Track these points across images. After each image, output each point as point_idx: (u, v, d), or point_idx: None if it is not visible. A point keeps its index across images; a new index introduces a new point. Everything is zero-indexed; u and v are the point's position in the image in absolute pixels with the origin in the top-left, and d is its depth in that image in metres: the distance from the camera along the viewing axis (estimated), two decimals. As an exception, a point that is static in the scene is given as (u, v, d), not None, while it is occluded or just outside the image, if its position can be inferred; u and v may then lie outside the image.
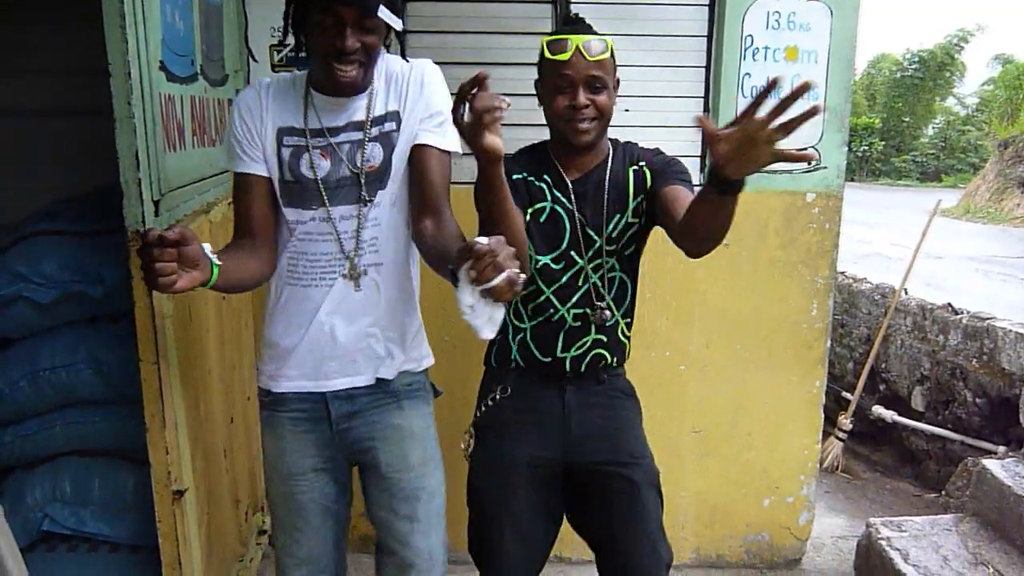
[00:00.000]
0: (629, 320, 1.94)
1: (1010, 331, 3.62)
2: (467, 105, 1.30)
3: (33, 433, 2.17)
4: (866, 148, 21.79)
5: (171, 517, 1.77)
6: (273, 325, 1.70)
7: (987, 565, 2.59)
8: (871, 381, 4.56)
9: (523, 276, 1.22)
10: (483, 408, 1.93)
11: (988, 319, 3.83)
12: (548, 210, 1.81)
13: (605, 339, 1.88)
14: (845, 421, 4.39)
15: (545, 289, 1.83)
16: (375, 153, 1.60)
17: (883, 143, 22.27)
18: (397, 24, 1.50)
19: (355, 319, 1.65)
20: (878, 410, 4.42)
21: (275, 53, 2.57)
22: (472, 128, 1.31)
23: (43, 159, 2.66)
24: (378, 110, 1.60)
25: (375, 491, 1.75)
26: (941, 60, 23.15)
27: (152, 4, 1.69)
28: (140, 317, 1.64)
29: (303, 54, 1.57)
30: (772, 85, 1.28)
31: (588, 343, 1.86)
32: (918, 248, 4.45)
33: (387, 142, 1.60)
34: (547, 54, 1.74)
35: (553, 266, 1.83)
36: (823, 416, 2.95)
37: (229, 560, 2.33)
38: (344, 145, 1.60)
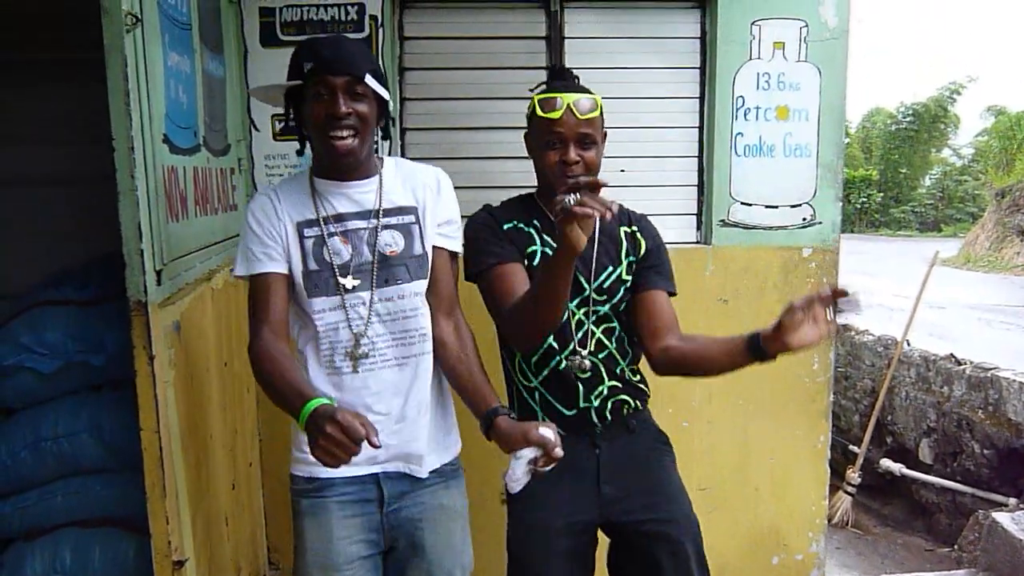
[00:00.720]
0: (634, 367, 1.94)
1: (1014, 381, 3.61)
2: (575, 196, 1.41)
3: (33, 504, 2.15)
4: (864, 200, 21.97)
5: (171, 588, 1.74)
6: None
7: (1003, 622, 2.54)
8: (877, 433, 4.52)
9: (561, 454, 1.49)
10: None
11: (992, 369, 3.82)
12: (539, 253, 1.83)
13: (620, 385, 1.87)
14: (853, 475, 4.35)
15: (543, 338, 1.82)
16: (395, 239, 1.66)
17: (881, 194, 22.46)
18: (385, 94, 1.61)
19: (407, 403, 1.67)
20: (886, 463, 4.38)
21: (276, 123, 2.63)
22: (568, 217, 1.42)
23: (44, 228, 2.70)
24: (392, 202, 1.67)
25: (412, 568, 1.73)
26: (935, 112, 23.49)
27: (156, 79, 1.74)
28: (141, 385, 1.64)
29: (301, 144, 1.68)
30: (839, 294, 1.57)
31: (605, 391, 1.85)
32: (918, 298, 4.47)
33: (407, 232, 1.67)
34: (538, 111, 1.78)
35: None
36: (830, 470, 2.92)
37: (230, 631, 2.29)
38: (362, 232, 1.65)
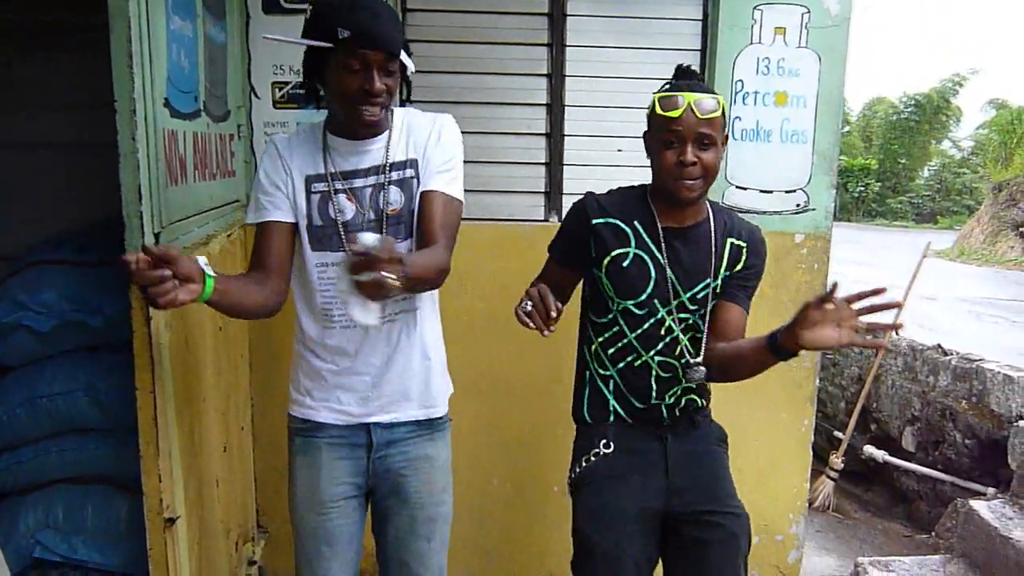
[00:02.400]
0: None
1: (999, 373, 3.66)
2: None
3: (28, 460, 2.19)
4: (862, 189, 21.98)
5: (162, 545, 1.78)
6: (316, 359, 1.75)
7: (974, 606, 2.60)
8: (862, 420, 4.58)
9: (398, 284, 1.29)
10: (584, 464, 1.93)
11: (977, 360, 3.87)
12: (631, 256, 1.84)
13: (694, 386, 1.92)
14: (836, 460, 4.41)
15: (628, 333, 1.87)
16: (395, 197, 1.68)
17: (879, 184, 22.48)
18: (411, 66, 1.64)
19: (395, 359, 1.73)
20: (869, 450, 4.44)
21: (277, 90, 2.64)
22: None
23: (45, 192, 2.71)
24: (397, 156, 1.68)
25: (396, 516, 1.82)
26: (937, 104, 23.45)
27: (159, 44, 1.75)
28: (138, 346, 1.67)
29: (318, 102, 1.68)
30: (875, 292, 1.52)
31: (679, 391, 1.91)
32: (908, 289, 4.50)
33: (407, 187, 1.69)
34: (658, 110, 1.76)
35: (636, 311, 1.86)
36: (812, 454, 2.97)
37: (218, 590, 2.34)
38: (366, 189, 1.68)
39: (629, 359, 1.89)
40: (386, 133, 1.69)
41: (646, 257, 1.84)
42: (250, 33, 2.60)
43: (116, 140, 1.59)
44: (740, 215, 1.96)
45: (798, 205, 2.74)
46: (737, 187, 2.72)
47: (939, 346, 4.19)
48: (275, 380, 2.79)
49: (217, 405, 2.30)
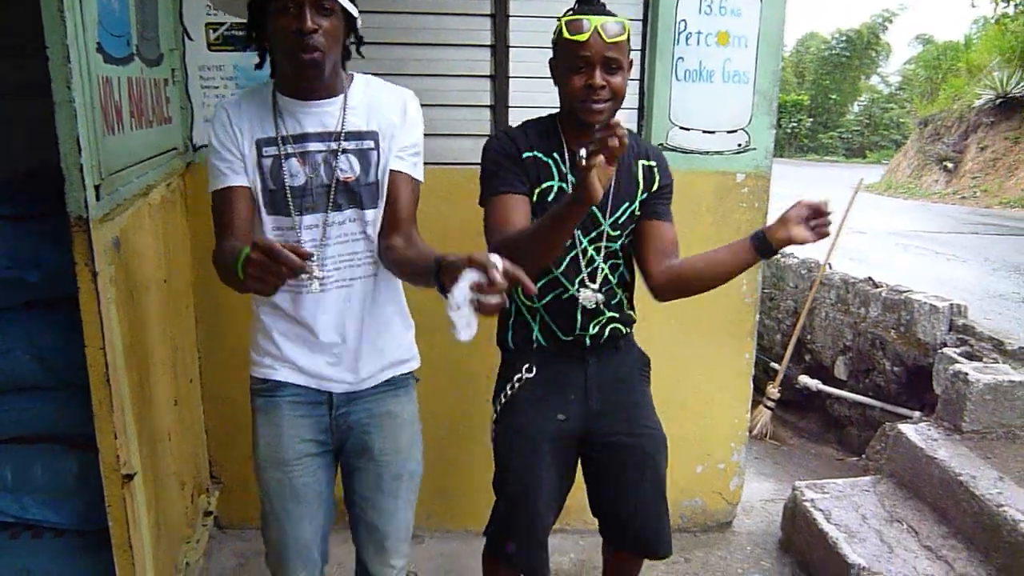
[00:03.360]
0: (630, 295, 2.04)
1: (925, 303, 3.83)
2: (592, 151, 1.41)
3: (-30, 421, 2.13)
4: (795, 125, 22.39)
5: (121, 500, 1.77)
6: (273, 320, 1.71)
7: (901, 522, 2.77)
8: (797, 352, 4.76)
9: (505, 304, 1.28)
10: (508, 391, 1.98)
11: (905, 292, 4.04)
12: (556, 189, 1.84)
13: (618, 315, 1.96)
14: (773, 390, 4.59)
15: (553, 268, 1.88)
16: (351, 165, 1.64)
17: (811, 120, 22.92)
18: (353, 9, 1.56)
19: (352, 322, 1.70)
20: (804, 379, 4.63)
21: (211, 31, 2.54)
22: (589, 172, 1.42)
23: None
24: (354, 125, 1.64)
25: (362, 473, 1.81)
26: (867, 39, 23.89)
27: (88, -16, 1.67)
28: (85, 302, 1.63)
29: (271, 64, 1.64)
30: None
31: (604, 320, 1.94)
32: (841, 224, 4.65)
33: (364, 157, 1.65)
34: (565, 33, 1.75)
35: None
36: (752, 386, 3.08)
37: (177, 542, 2.34)
38: (318, 155, 1.63)
39: (556, 292, 1.90)
40: (341, 96, 1.65)
41: (566, 187, 1.84)
42: (179, -29, 2.48)
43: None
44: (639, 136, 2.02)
45: (739, 145, 2.79)
46: (680, 127, 2.75)
47: (870, 279, 4.36)
48: (221, 331, 2.75)
49: (165, 358, 2.27)
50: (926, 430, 3.05)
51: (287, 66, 1.57)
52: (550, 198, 1.83)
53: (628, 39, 1.77)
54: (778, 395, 4.60)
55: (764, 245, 1.79)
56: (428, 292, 2.80)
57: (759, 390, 4.86)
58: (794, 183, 12.84)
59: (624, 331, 2.00)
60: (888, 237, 7.47)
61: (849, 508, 2.88)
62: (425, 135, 2.66)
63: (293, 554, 1.78)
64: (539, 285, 1.89)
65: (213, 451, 2.89)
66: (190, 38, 2.53)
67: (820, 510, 2.86)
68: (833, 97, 23.73)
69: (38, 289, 2.10)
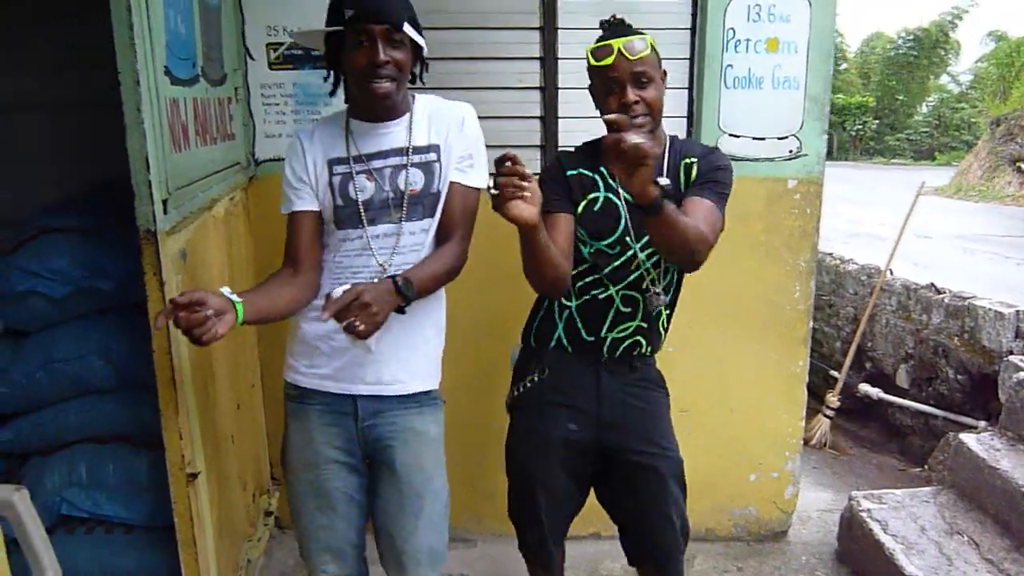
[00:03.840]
0: (670, 312, 2.08)
1: (990, 310, 3.73)
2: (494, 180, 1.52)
3: (49, 421, 2.27)
4: (860, 127, 21.82)
5: (186, 498, 1.87)
6: (310, 326, 1.81)
7: (962, 534, 2.71)
8: (858, 359, 4.68)
9: (362, 327, 1.53)
10: (520, 389, 2.06)
11: (969, 298, 3.94)
12: (602, 200, 1.93)
13: (646, 326, 1.99)
14: (833, 399, 4.52)
15: (600, 271, 1.94)
16: (416, 178, 1.76)
17: (877, 122, 22.31)
18: (421, 41, 1.70)
19: (388, 332, 1.73)
20: (864, 388, 4.54)
21: (272, 51, 2.65)
22: (497, 200, 1.53)
23: (35, 154, 2.73)
24: (420, 140, 1.77)
25: (386, 488, 1.85)
26: (935, 38, 23.15)
27: (157, 11, 1.77)
28: (152, 309, 1.73)
29: (346, 91, 1.79)
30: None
31: (631, 328, 1.98)
32: (902, 229, 4.56)
33: (428, 170, 1.77)
34: (592, 62, 1.87)
35: (608, 251, 1.93)
36: (807, 393, 3.05)
37: (239, 539, 2.44)
38: (386, 170, 1.76)
39: (594, 292, 1.96)
40: (407, 116, 1.77)
41: (614, 198, 1.92)
42: (242, -6, 2.60)
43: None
44: (696, 142, 2.04)
45: (791, 151, 2.78)
46: (730, 135, 2.75)
47: (932, 284, 4.26)
48: (281, 339, 2.82)
49: (228, 364, 2.38)
50: (989, 440, 2.97)
51: (360, 94, 1.71)
52: (596, 208, 1.94)
53: (654, 51, 1.87)
54: (838, 404, 4.52)
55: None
56: (480, 298, 2.86)
57: (818, 398, 4.79)
58: (858, 187, 12.61)
59: (644, 348, 2.02)
60: (955, 241, 7.24)
61: (907, 519, 2.83)
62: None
63: (321, 550, 1.88)
64: (579, 285, 1.96)
65: (273, 454, 2.99)
66: (252, 58, 2.65)
67: (877, 520, 2.82)
68: (900, 98, 23.05)
69: (111, 297, 2.23)
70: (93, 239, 2.26)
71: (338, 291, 1.53)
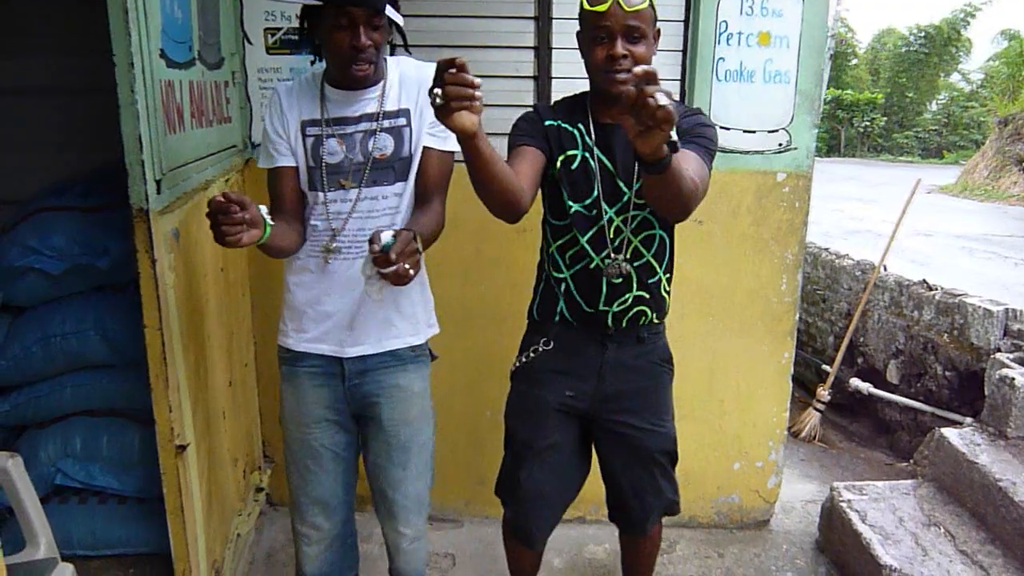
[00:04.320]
0: (669, 275, 2.01)
1: (979, 307, 3.76)
2: (441, 87, 1.37)
3: (45, 395, 2.34)
4: (868, 123, 21.74)
5: (174, 470, 1.93)
6: (297, 291, 1.89)
7: (939, 526, 2.75)
8: (849, 354, 4.71)
9: (413, 272, 1.50)
10: (524, 359, 2.05)
11: (960, 295, 3.97)
12: (579, 158, 1.86)
13: (647, 295, 1.94)
14: (823, 393, 4.55)
15: (580, 237, 1.89)
16: (386, 143, 1.80)
17: (885, 119, 22.22)
18: (400, 20, 1.73)
19: (354, 293, 1.83)
20: (855, 382, 4.58)
21: (269, 36, 2.69)
22: (443, 109, 1.38)
23: (42, 137, 2.79)
24: (390, 105, 1.80)
25: (374, 442, 1.96)
26: (947, 35, 23.02)
27: (153, -5, 1.82)
28: (144, 286, 1.78)
29: (320, 55, 1.80)
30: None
31: (630, 299, 1.93)
32: (897, 226, 4.58)
33: (398, 135, 1.81)
34: (585, 5, 1.76)
35: (585, 214, 1.88)
36: (801, 387, 3.09)
37: (229, 514, 2.50)
38: (356, 135, 1.80)
39: (583, 262, 1.91)
40: (381, 83, 1.81)
41: (590, 158, 1.86)
42: (241, -20, 2.64)
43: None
44: (682, 105, 1.91)
45: (780, 144, 2.81)
46: (720, 127, 2.77)
47: (924, 281, 4.29)
48: (275, 319, 2.88)
49: (221, 342, 2.43)
50: (970, 435, 3.01)
51: (338, 71, 1.75)
52: (574, 166, 1.87)
53: (652, 7, 1.76)
54: (828, 398, 4.56)
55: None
56: (470, 286, 2.91)
57: (810, 392, 4.83)
58: (864, 183, 12.61)
59: (650, 317, 1.97)
60: (954, 240, 7.25)
61: (886, 510, 2.87)
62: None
63: (311, 501, 1.98)
64: (568, 255, 1.93)
65: (266, 432, 3.05)
66: (250, 42, 2.69)
67: (856, 511, 2.86)
68: (910, 95, 22.95)
69: (107, 275, 2.29)
70: (91, 218, 2.32)
71: (386, 235, 1.50)
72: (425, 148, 1.82)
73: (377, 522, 2.10)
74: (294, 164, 1.83)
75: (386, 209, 1.82)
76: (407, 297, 1.90)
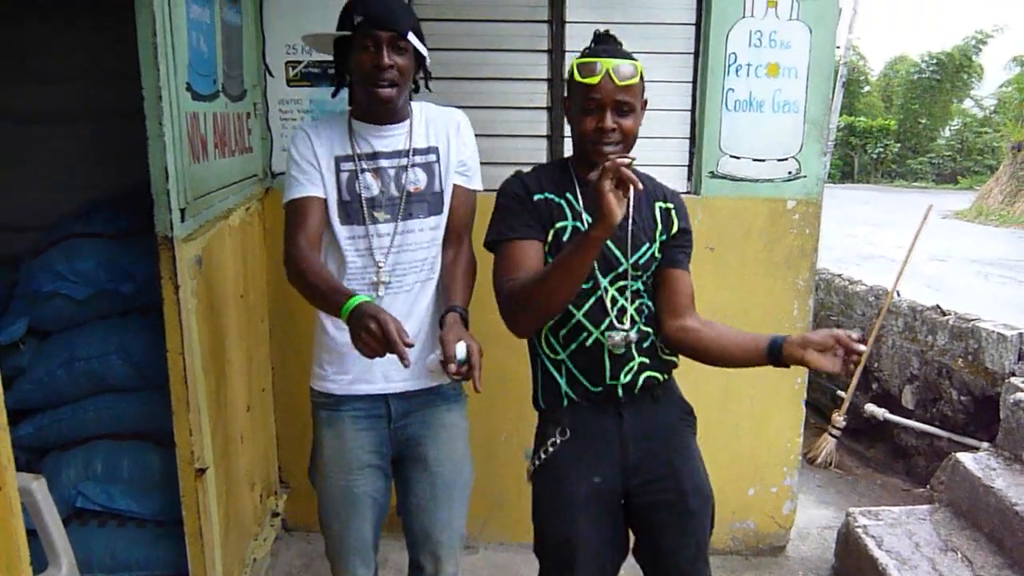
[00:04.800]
0: (658, 337, 1.89)
1: (993, 331, 3.76)
2: (612, 178, 1.46)
3: (68, 417, 2.38)
4: (881, 150, 21.75)
5: (194, 492, 1.96)
6: (338, 333, 1.83)
7: (956, 551, 2.74)
8: (864, 380, 4.70)
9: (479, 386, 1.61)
10: (543, 455, 1.87)
11: (973, 320, 3.96)
12: (570, 229, 1.79)
13: (648, 360, 1.84)
14: (839, 418, 4.54)
15: (575, 311, 1.78)
16: (419, 177, 1.86)
17: (899, 145, 22.23)
18: (423, 50, 1.79)
19: (412, 325, 1.81)
20: (871, 408, 4.56)
21: (290, 69, 2.77)
22: (608, 198, 1.46)
23: (66, 160, 2.85)
24: (419, 143, 1.88)
25: (417, 483, 1.95)
26: (959, 62, 23.06)
27: (180, 31, 1.89)
28: (168, 311, 1.84)
29: (337, 85, 1.89)
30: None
31: (635, 366, 1.82)
32: (909, 252, 4.59)
33: (429, 170, 1.88)
34: (576, 76, 1.74)
35: (581, 285, 1.73)
36: (816, 413, 3.10)
37: (245, 537, 2.53)
38: (390, 170, 1.85)
39: (580, 338, 1.80)
40: (407, 121, 1.87)
41: (582, 227, 1.77)
42: (264, 14, 2.73)
43: (133, 111, 1.75)
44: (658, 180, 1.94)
45: (790, 172, 2.85)
46: (731, 156, 2.83)
47: (938, 306, 4.29)
48: (293, 345, 2.96)
49: (240, 367, 2.47)
50: (985, 459, 3.00)
51: (364, 96, 1.78)
52: (565, 237, 1.79)
53: (641, 80, 1.75)
54: (844, 423, 4.54)
55: (777, 355, 1.68)
56: (484, 311, 2.95)
57: (825, 418, 4.82)
58: (878, 209, 12.58)
59: (661, 379, 1.87)
60: (969, 265, 7.23)
61: (903, 536, 2.87)
62: (487, 163, 2.84)
63: (351, 551, 1.94)
64: (562, 333, 1.82)
65: (283, 457, 3.08)
66: (271, 75, 2.77)
67: (872, 536, 2.86)
68: (923, 121, 22.96)
69: (131, 300, 2.35)
70: (117, 244, 2.38)
71: (461, 349, 1.61)
72: (455, 186, 1.90)
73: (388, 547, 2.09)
74: (323, 196, 1.82)
75: (423, 242, 1.87)
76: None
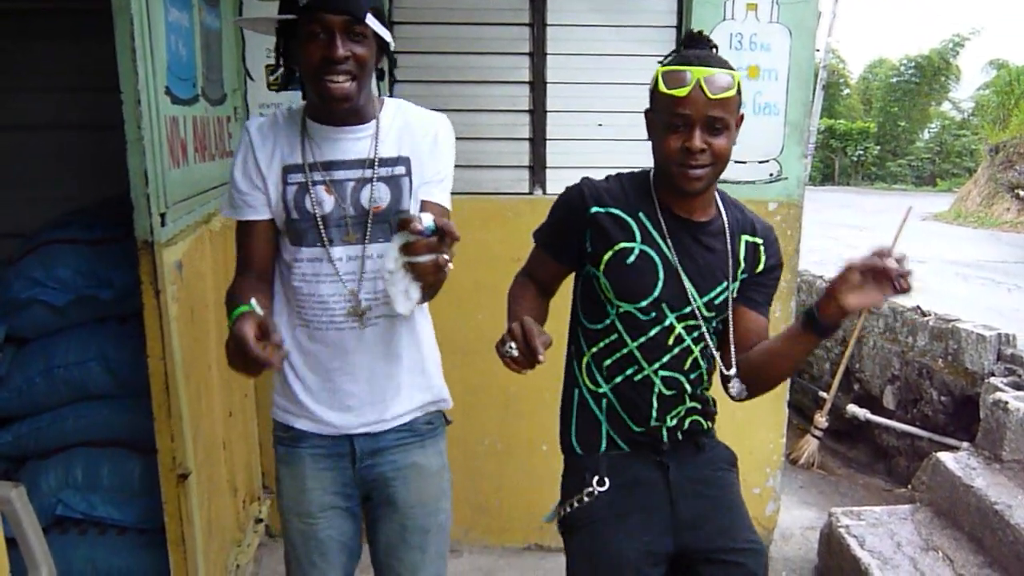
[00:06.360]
0: (710, 382, 1.76)
1: (972, 332, 3.80)
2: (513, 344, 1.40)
3: (47, 425, 2.35)
4: (861, 152, 21.99)
5: (176, 499, 1.95)
6: (291, 364, 1.64)
7: (937, 550, 2.76)
8: (846, 381, 4.74)
9: (451, 266, 1.30)
10: (576, 503, 1.69)
11: (953, 321, 4.01)
12: (637, 252, 1.59)
13: (699, 406, 1.70)
14: (821, 419, 4.57)
15: (629, 342, 1.61)
16: (382, 194, 1.55)
17: (878, 147, 22.48)
18: (387, 35, 1.47)
19: (374, 361, 1.61)
20: (852, 409, 4.60)
21: (270, 72, 2.76)
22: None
23: (47, 171, 2.84)
24: (387, 152, 1.56)
25: (386, 524, 1.72)
26: (937, 65, 23.38)
27: (159, 34, 1.88)
28: (148, 318, 1.82)
29: (296, 86, 1.57)
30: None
31: (683, 411, 1.67)
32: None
33: (396, 185, 1.56)
34: (661, 87, 1.49)
35: (640, 316, 1.60)
36: (798, 414, 3.12)
37: (228, 544, 2.51)
38: (348, 183, 1.54)
39: (628, 372, 1.63)
40: (373, 123, 1.56)
41: (654, 254, 1.59)
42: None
43: (114, 122, 1.74)
44: (749, 208, 1.75)
45: (771, 175, 2.87)
46: (712, 158, 2.84)
47: (918, 307, 4.33)
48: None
49: (221, 373, 2.45)
50: (965, 459, 3.04)
51: (316, 94, 1.46)
52: (629, 260, 1.59)
53: (739, 93, 1.51)
54: (826, 424, 4.57)
55: (814, 323, 1.50)
56: (467, 316, 2.94)
57: (807, 419, 4.85)
58: (857, 211, 12.71)
59: (705, 426, 1.72)
60: (948, 266, 7.32)
61: (884, 535, 2.89)
62: (468, 166, 2.86)
63: None
64: (607, 363, 1.65)
65: (266, 463, 3.06)
66: (251, 79, 2.76)
67: (854, 536, 2.88)
68: (902, 124, 23.26)
69: (110, 306, 2.32)
70: (96, 250, 2.36)
71: (427, 217, 1.27)
72: (424, 201, 1.58)
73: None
74: (268, 217, 1.56)
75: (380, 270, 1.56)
76: (422, 368, 1.70)
